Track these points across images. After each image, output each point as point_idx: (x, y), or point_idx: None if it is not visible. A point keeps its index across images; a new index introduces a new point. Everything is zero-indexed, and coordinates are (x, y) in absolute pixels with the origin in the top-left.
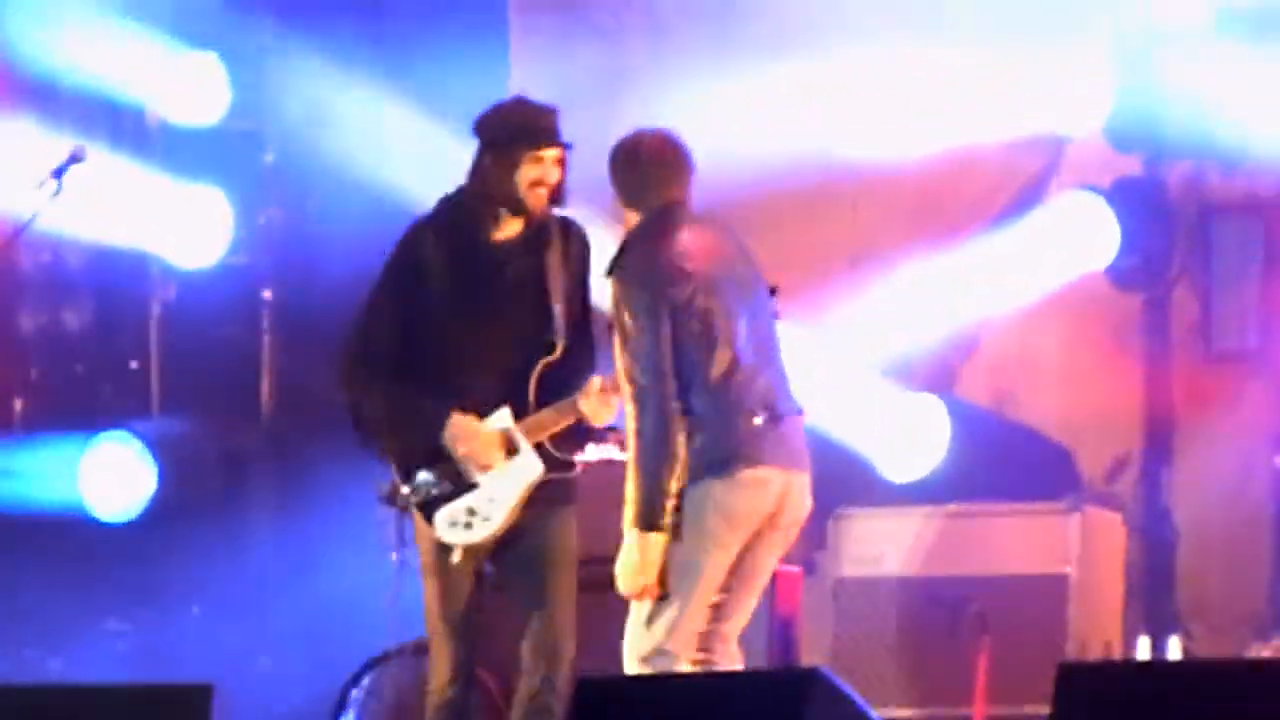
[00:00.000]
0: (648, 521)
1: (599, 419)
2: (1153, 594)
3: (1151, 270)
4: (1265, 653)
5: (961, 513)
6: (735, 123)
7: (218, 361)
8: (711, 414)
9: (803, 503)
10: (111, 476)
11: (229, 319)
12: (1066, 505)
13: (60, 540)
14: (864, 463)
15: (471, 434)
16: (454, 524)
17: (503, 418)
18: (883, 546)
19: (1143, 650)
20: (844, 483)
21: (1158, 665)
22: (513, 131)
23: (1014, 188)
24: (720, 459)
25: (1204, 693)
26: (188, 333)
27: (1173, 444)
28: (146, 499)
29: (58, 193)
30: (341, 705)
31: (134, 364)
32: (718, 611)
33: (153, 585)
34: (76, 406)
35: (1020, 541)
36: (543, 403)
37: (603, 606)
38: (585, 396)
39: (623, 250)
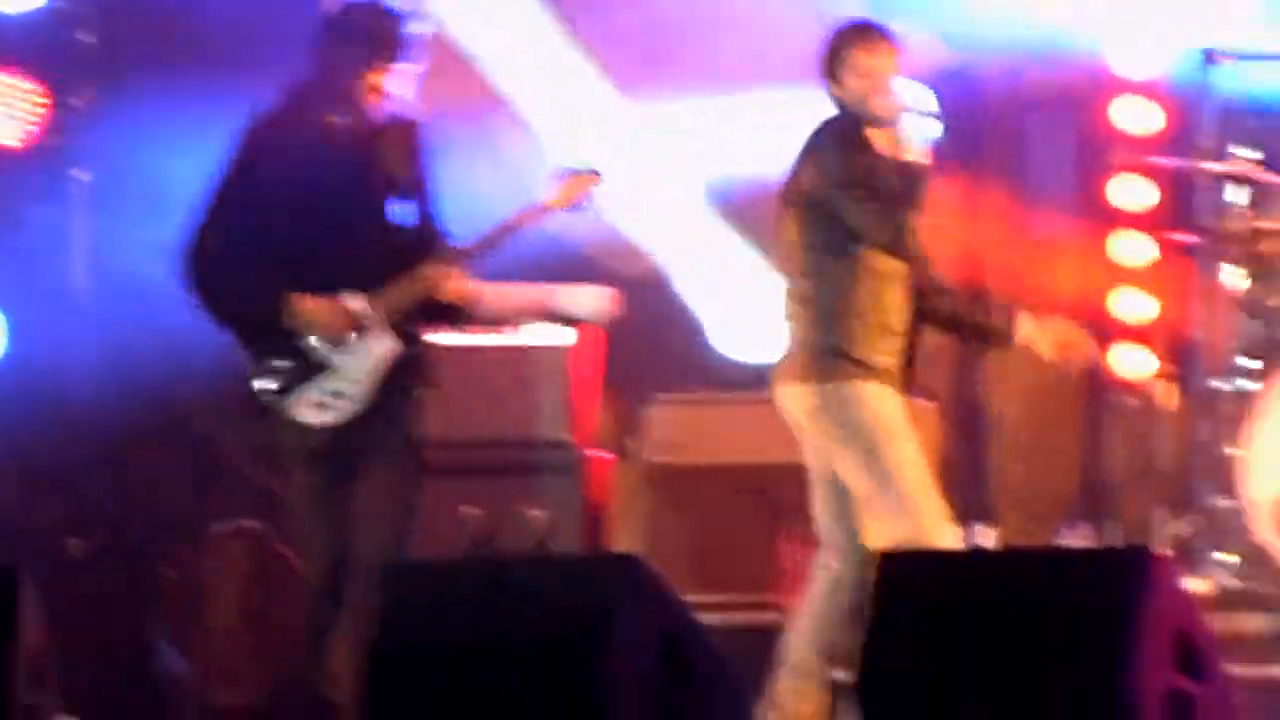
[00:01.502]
0: None
1: (448, 290)
2: (966, 483)
3: (969, 161)
4: (1074, 541)
5: (771, 400)
6: None
7: (30, 242)
8: None
9: (789, 409)
10: None
11: (42, 199)
12: None
13: None
14: (682, 347)
15: (314, 308)
16: (314, 405)
17: (351, 298)
18: (694, 433)
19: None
20: (659, 367)
21: (973, 554)
22: (368, 39)
23: None
24: None
25: (1017, 580)
26: None
27: None
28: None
29: None
30: (156, 590)
31: None
32: None
33: None
34: None
35: None
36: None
37: (461, 491)
38: (432, 267)
39: None
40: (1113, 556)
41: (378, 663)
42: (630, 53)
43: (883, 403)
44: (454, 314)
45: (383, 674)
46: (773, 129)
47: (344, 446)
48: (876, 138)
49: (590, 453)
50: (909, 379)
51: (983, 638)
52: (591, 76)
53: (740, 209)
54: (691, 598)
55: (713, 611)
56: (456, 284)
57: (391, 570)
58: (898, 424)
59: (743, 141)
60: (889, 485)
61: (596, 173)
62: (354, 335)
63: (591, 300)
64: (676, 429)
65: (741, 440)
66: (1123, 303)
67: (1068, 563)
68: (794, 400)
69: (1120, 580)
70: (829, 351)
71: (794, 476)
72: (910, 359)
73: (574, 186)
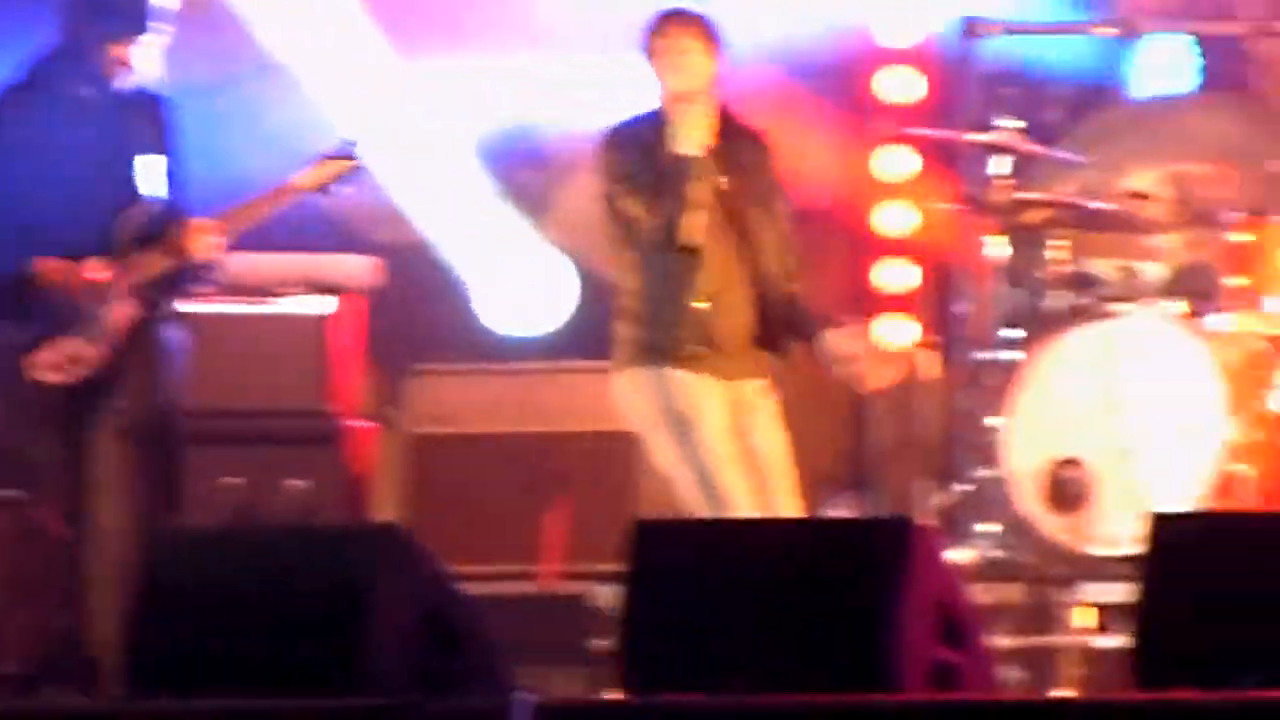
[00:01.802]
0: None
1: (197, 252)
2: None
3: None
4: (835, 511)
5: (538, 370)
6: None
7: None
8: None
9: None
10: None
11: None
12: None
13: None
14: (447, 316)
15: (52, 271)
16: (52, 367)
17: (94, 264)
18: (458, 403)
19: None
20: (423, 336)
21: (729, 523)
22: (113, 11)
23: None
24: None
25: (779, 550)
26: None
27: None
28: None
29: None
30: None
31: None
32: None
33: None
34: None
35: (594, 400)
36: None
37: (222, 461)
38: (182, 232)
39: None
40: (875, 527)
41: (142, 629)
42: (404, 10)
43: (684, 388)
44: (200, 282)
45: (146, 641)
46: (548, 91)
47: (88, 411)
48: (672, 125)
49: (352, 423)
50: (778, 348)
51: (744, 606)
52: (364, 33)
53: (511, 172)
54: (456, 569)
55: (478, 582)
56: (203, 253)
57: (154, 538)
58: (700, 408)
59: (515, 103)
60: (692, 471)
61: (352, 156)
62: (95, 300)
63: (353, 268)
64: (440, 399)
65: (506, 410)
66: (886, 273)
67: (830, 533)
68: (617, 386)
69: (882, 551)
70: (635, 340)
71: (558, 447)
72: (759, 334)
73: (326, 170)
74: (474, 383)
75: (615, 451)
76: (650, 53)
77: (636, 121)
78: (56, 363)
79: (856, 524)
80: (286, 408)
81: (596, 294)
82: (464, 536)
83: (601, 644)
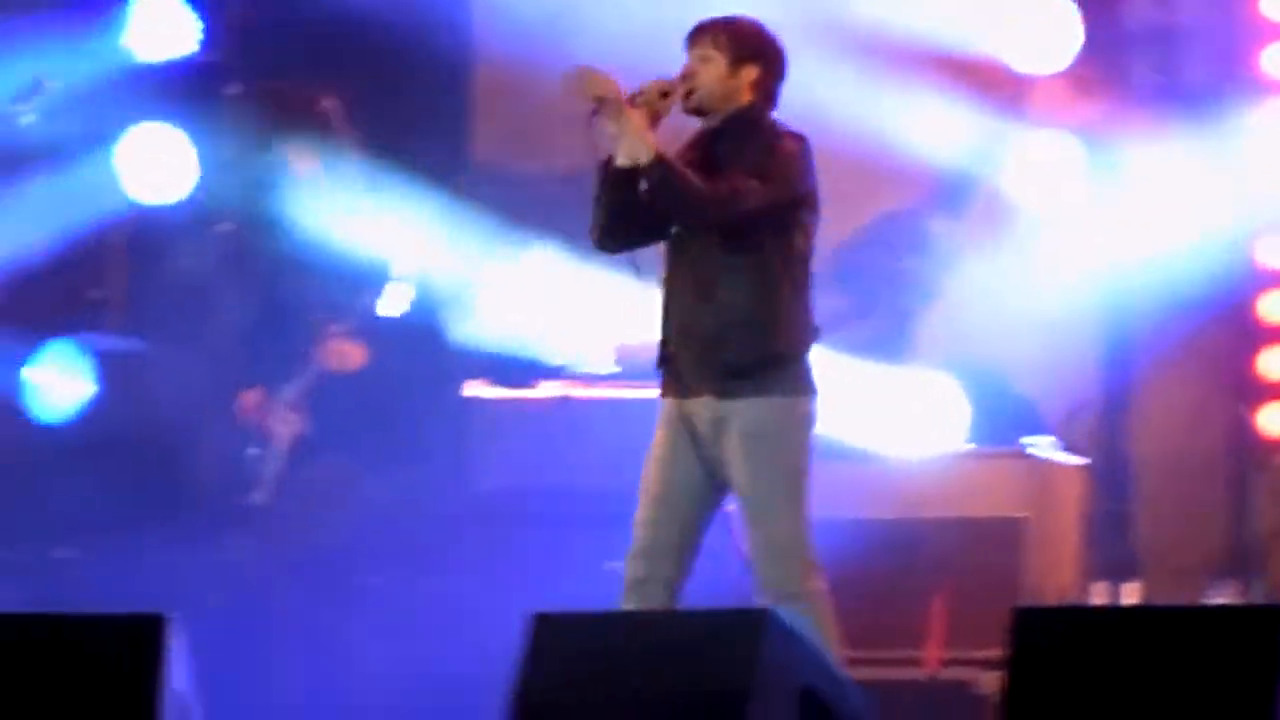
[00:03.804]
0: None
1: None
2: (1112, 540)
3: None
4: (1220, 599)
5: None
6: None
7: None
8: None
9: None
10: (52, 379)
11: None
12: (1019, 449)
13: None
14: None
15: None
16: None
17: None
18: (833, 491)
19: (1099, 596)
20: None
21: (1113, 610)
22: None
23: None
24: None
25: (1158, 638)
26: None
27: (1131, 388)
28: (83, 402)
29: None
30: None
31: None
32: None
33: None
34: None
35: (975, 486)
36: None
37: (608, 543)
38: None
39: None
40: (1256, 614)
41: (522, 709)
42: None
43: None
44: None
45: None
46: None
47: None
48: None
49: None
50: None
51: (1123, 695)
52: None
53: None
54: (835, 652)
55: (861, 667)
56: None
57: (538, 621)
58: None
59: None
60: None
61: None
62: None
63: None
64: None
65: (887, 497)
66: (1271, 361)
67: (1209, 620)
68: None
69: (1264, 638)
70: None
71: (939, 533)
72: (696, 361)
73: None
74: (857, 470)
75: (994, 538)
76: None
77: None
78: None
79: (1237, 611)
80: None
81: None
82: (843, 620)
83: None
